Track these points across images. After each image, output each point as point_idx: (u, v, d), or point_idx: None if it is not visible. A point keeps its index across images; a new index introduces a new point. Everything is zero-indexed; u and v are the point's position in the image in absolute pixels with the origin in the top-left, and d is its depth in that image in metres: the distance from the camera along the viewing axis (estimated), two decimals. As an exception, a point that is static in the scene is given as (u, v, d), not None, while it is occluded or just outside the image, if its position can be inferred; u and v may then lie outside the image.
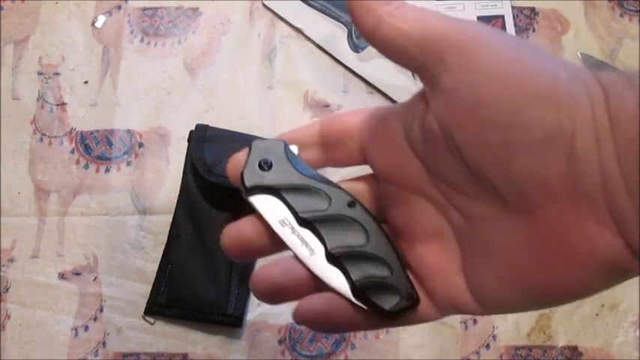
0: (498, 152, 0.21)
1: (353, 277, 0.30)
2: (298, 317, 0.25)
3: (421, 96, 0.24)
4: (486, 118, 0.21)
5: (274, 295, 0.26)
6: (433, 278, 0.25)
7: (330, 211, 0.32)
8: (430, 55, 0.22)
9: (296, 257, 0.32)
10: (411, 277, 0.26)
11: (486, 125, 0.21)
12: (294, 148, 0.32)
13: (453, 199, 0.24)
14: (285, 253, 0.28)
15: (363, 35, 0.24)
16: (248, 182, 0.32)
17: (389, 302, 0.27)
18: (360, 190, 0.28)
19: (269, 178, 0.32)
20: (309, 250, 0.33)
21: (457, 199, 0.24)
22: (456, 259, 0.25)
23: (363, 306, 0.27)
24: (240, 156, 0.28)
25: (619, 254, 0.20)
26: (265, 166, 0.33)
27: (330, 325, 0.26)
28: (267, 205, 0.33)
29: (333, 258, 0.31)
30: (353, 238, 0.31)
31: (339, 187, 0.31)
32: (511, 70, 0.20)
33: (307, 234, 0.32)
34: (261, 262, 0.56)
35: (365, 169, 0.29)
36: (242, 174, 0.33)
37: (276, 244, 0.27)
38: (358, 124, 0.27)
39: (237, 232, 0.28)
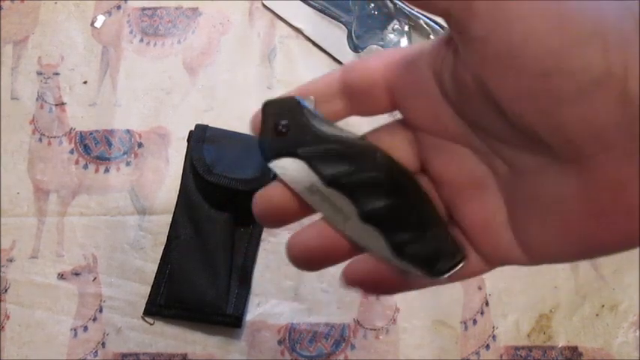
0: (541, 103, 0.19)
1: (393, 238, 0.27)
2: (348, 281, 0.24)
3: (447, 41, 0.22)
4: (523, 67, 0.18)
5: (310, 260, 0.25)
6: (480, 232, 0.24)
7: (359, 169, 0.28)
8: (456, 2, 0.19)
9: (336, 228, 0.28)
10: (457, 230, 0.25)
11: (524, 75, 0.19)
12: (310, 102, 0.29)
13: (496, 148, 0.22)
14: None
15: None
16: (267, 150, 0.30)
17: (434, 261, 0.25)
18: (392, 140, 0.26)
19: (288, 142, 0.30)
20: (342, 215, 0.29)
21: (500, 148, 0.22)
22: (503, 212, 0.23)
23: (407, 266, 0.25)
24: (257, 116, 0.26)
25: None
26: (283, 128, 0.30)
27: (379, 288, 0.25)
28: (290, 171, 0.30)
29: (368, 219, 0.28)
30: (387, 196, 0.28)
31: (366, 141, 0.28)
32: (548, 11, 0.18)
33: (337, 196, 0.29)
34: (261, 264, 0.57)
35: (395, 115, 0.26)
36: (259, 142, 0.30)
37: (308, 207, 0.26)
38: (384, 69, 0.25)
39: (267, 199, 0.26)
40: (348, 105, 0.26)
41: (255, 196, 0.26)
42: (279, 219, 0.26)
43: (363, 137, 0.28)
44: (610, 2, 0.18)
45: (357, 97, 0.26)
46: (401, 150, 0.25)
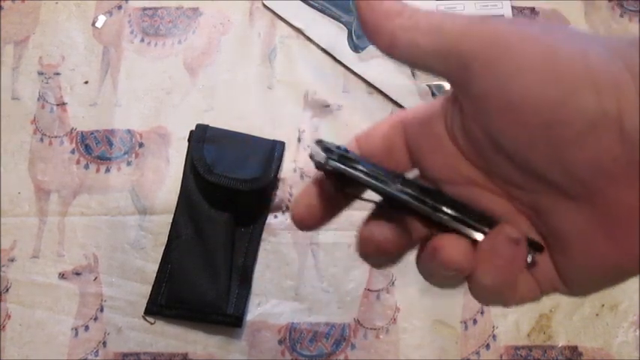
0: (546, 150, 0.20)
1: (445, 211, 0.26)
2: (450, 267, 0.24)
3: (453, 99, 0.24)
4: (524, 120, 0.20)
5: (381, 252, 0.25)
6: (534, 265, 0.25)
7: (411, 193, 0.28)
8: (452, 64, 0.21)
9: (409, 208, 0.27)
10: None
11: (526, 126, 0.20)
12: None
13: (513, 193, 0.24)
14: None
15: (382, 52, 0.23)
16: (319, 156, 0.29)
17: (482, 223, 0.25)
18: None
19: (337, 153, 0.30)
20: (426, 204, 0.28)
21: (517, 193, 0.24)
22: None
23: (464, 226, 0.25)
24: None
25: None
26: (335, 149, 0.30)
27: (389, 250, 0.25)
28: (353, 170, 0.29)
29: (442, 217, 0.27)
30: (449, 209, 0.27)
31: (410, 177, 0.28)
32: (540, 66, 0.20)
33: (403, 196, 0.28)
34: (261, 264, 0.57)
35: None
36: (311, 155, 0.29)
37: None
38: (399, 132, 0.27)
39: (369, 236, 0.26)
40: None
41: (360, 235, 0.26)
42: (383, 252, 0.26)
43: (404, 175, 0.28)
44: (596, 47, 0.20)
45: (378, 161, 0.27)
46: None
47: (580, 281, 0.23)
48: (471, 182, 0.25)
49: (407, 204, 0.25)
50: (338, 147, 0.29)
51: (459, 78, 0.21)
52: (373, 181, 0.27)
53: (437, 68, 0.22)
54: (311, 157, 0.27)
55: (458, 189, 0.25)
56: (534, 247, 0.24)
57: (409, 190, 0.26)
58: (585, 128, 0.19)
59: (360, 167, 0.27)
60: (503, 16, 0.62)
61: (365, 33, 0.24)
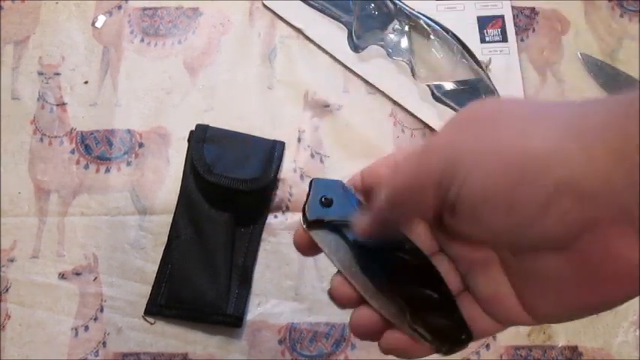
0: (520, 237, 0.24)
1: (411, 314, 0.32)
2: (384, 350, 0.29)
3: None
4: (489, 216, 0.23)
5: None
6: (489, 301, 0.28)
7: (387, 248, 0.34)
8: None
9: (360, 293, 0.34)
10: (472, 299, 0.29)
11: (494, 219, 0.24)
12: (350, 188, 0.34)
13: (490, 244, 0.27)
14: None
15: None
16: (309, 217, 0.35)
17: (443, 338, 0.30)
18: (414, 229, 0.31)
19: (329, 214, 0.35)
20: (370, 286, 0.35)
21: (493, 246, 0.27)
22: (505, 284, 0.27)
23: (420, 338, 0.30)
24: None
25: None
26: (327, 201, 0.35)
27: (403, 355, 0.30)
28: (327, 241, 0.35)
29: (393, 293, 0.33)
30: (410, 278, 0.33)
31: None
32: (493, 172, 0.23)
33: (375, 269, 0.34)
34: (261, 264, 0.57)
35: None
36: (304, 209, 0.35)
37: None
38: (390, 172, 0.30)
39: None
40: (365, 199, 0.32)
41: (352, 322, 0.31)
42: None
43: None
44: (551, 127, 0.22)
45: (372, 193, 0.31)
46: (421, 236, 0.31)
47: (547, 313, 0.26)
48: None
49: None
50: (333, 183, 0.34)
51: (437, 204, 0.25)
52: (337, 264, 0.34)
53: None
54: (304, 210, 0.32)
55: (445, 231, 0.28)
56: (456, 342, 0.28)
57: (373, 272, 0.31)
58: (543, 205, 0.22)
59: (332, 243, 0.34)
60: (503, 16, 0.62)
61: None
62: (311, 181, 0.37)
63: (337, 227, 0.35)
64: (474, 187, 0.23)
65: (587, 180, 0.21)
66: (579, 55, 0.61)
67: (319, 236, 0.36)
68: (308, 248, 0.32)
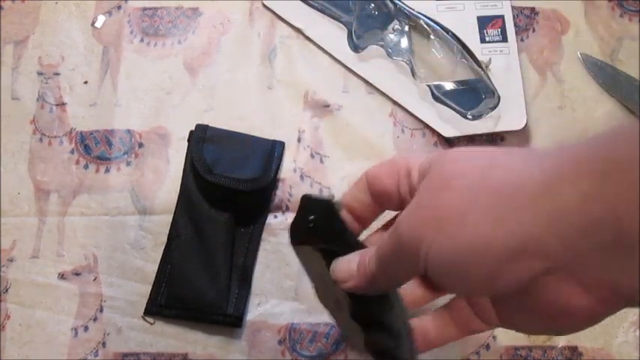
0: (475, 288, 0.30)
1: (367, 338, 0.37)
2: None
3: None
4: (452, 280, 0.30)
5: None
6: (478, 312, 0.34)
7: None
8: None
9: (326, 308, 0.39)
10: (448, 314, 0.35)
11: (457, 281, 0.30)
12: (339, 206, 0.37)
13: None
14: None
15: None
16: (293, 238, 0.39)
17: None
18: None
19: (313, 236, 0.38)
20: (339, 306, 0.39)
21: None
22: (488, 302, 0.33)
23: None
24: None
25: (592, 305, 0.27)
26: (311, 223, 0.37)
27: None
28: (308, 259, 0.40)
29: (355, 317, 0.37)
30: (374, 304, 0.36)
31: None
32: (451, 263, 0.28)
33: (339, 291, 0.37)
34: (261, 264, 0.56)
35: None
36: (290, 227, 0.39)
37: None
38: (403, 174, 0.34)
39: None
40: (374, 201, 0.36)
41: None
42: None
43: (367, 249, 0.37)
44: (513, 168, 0.27)
45: (378, 198, 0.36)
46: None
47: (518, 328, 0.32)
48: None
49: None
50: (322, 200, 0.36)
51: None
52: (313, 280, 0.40)
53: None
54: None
55: None
56: None
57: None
58: (492, 277, 0.27)
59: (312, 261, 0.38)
60: (502, 16, 0.62)
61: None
62: (302, 198, 0.39)
63: (319, 246, 0.38)
64: (436, 264, 0.29)
65: (547, 253, 0.25)
66: (579, 55, 0.61)
67: (302, 252, 0.41)
68: None
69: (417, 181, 0.32)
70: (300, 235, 0.40)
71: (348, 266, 0.34)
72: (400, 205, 0.34)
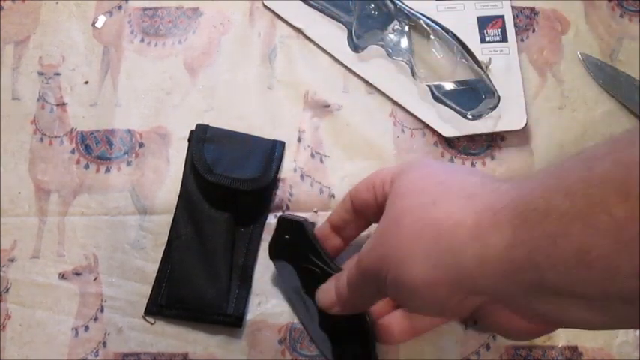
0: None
1: (335, 347, 0.43)
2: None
3: None
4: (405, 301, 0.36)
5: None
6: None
7: None
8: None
9: (299, 319, 0.47)
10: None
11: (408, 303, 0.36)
12: (311, 227, 0.45)
13: None
14: None
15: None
16: (271, 252, 0.49)
17: None
18: None
19: (288, 253, 0.46)
20: (310, 316, 0.46)
21: None
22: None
23: None
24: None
25: (530, 327, 0.32)
26: (287, 239, 0.45)
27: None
28: (284, 271, 0.47)
29: (324, 327, 0.44)
30: (343, 315, 0.41)
31: (340, 268, 0.43)
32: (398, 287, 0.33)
33: (310, 303, 0.44)
34: (261, 263, 0.56)
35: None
36: (269, 244, 0.49)
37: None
38: (373, 192, 0.41)
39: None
40: (357, 217, 0.43)
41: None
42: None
43: (339, 266, 0.44)
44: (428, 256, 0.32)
45: (360, 211, 0.43)
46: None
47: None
48: None
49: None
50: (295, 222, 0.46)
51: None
52: (287, 291, 0.49)
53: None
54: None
55: None
56: None
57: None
58: (441, 304, 0.32)
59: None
60: (502, 16, 0.62)
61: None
62: (278, 218, 0.48)
63: (294, 261, 0.45)
64: (392, 296, 0.36)
65: (480, 282, 0.29)
66: (579, 55, 0.62)
67: (279, 265, 0.48)
68: None
69: (389, 191, 0.37)
70: (277, 251, 0.47)
71: (329, 295, 0.40)
72: (379, 212, 0.38)
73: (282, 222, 0.48)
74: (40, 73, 0.61)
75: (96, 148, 0.58)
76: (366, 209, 0.41)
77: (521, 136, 0.59)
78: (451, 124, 0.58)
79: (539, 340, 0.53)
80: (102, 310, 0.54)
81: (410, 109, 0.59)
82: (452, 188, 0.32)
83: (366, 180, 0.41)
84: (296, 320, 0.53)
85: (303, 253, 0.44)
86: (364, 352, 0.43)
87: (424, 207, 0.32)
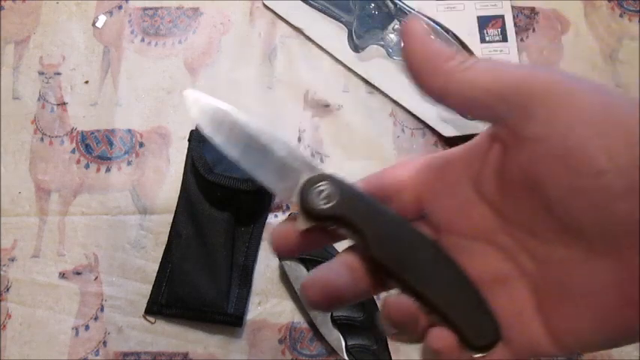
0: (594, 199, 0.20)
1: (347, 342, 0.42)
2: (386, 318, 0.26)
3: (490, 142, 0.24)
4: (580, 165, 0.20)
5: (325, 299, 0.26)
6: (508, 324, 0.24)
7: None
8: (512, 105, 0.21)
9: (309, 315, 0.46)
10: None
11: (580, 172, 0.20)
12: None
13: (527, 244, 0.24)
14: None
15: (432, 95, 0.24)
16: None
17: None
18: None
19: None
20: (320, 313, 0.45)
21: (531, 244, 0.23)
22: (530, 304, 0.24)
23: None
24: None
25: None
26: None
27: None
28: (293, 270, 0.47)
29: (335, 323, 0.43)
30: (353, 311, 0.42)
31: None
32: (600, 118, 0.20)
33: None
34: (261, 263, 0.56)
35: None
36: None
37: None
38: (412, 176, 0.27)
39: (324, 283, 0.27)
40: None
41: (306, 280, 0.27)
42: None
43: None
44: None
45: (388, 202, 0.27)
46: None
47: (576, 338, 0.23)
48: (476, 234, 0.25)
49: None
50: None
51: (517, 119, 0.22)
52: (299, 292, 0.46)
53: (494, 110, 0.22)
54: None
55: (459, 241, 0.25)
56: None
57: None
58: (635, 182, 0.19)
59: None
60: (503, 16, 0.62)
61: (413, 76, 0.24)
62: (288, 216, 0.45)
63: (303, 260, 0.44)
64: (576, 133, 0.20)
65: None
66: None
67: (287, 266, 0.47)
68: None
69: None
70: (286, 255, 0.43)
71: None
72: (415, 210, 0.28)
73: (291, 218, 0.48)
74: (41, 73, 0.61)
75: (96, 148, 0.58)
76: (395, 199, 0.27)
77: (521, 136, 0.59)
78: (451, 124, 0.58)
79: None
80: (102, 310, 0.54)
81: (410, 109, 0.59)
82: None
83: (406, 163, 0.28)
84: (296, 320, 0.53)
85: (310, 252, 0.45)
86: (377, 349, 0.42)
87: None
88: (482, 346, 0.24)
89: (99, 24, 0.63)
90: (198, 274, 0.53)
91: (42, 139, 0.59)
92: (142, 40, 0.62)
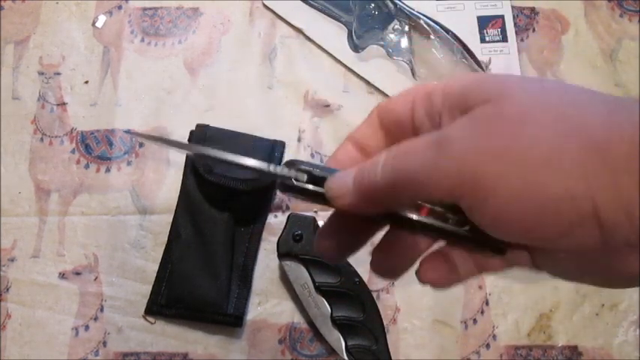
0: (533, 242, 0.25)
1: (347, 342, 0.44)
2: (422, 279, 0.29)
3: None
4: (513, 227, 0.24)
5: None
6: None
7: (340, 285, 0.46)
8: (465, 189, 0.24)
9: (309, 316, 0.47)
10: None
11: (514, 234, 0.24)
12: (321, 224, 0.44)
13: None
14: None
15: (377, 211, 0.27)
16: (281, 250, 0.48)
17: None
18: None
19: (298, 249, 0.46)
20: (321, 314, 0.47)
21: None
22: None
23: None
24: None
25: None
26: (297, 237, 0.46)
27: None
28: (293, 270, 0.47)
29: (335, 323, 0.45)
30: (353, 311, 0.44)
31: (350, 265, 0.45)
32: (523, 196, 0.23)
33: (320, 300, 0.46)
34: (261, 263, 0.56)
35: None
36: (278, 242, 0.48)
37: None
38: (410, 106, 0.29)
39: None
40: (386, 136, 0.31)
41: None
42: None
43: (349, 263, 0.45)
44: (571, 137, 0.22)
45: (389, 129, 0.30)
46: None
47: (554, 274, 0.28)
48: None
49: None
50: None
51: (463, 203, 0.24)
52: (298, 291, 0.50)
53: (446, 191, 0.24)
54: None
55: None
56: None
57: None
58: (566, 231, 0.23)
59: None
60: (503, 16, 0.62)
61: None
62: (288, 216, 0.49)
63: (303, 260, 0.46)
64: (492, 211, 0.23)
65: (612, 212, 0.22)
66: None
67: (287, 265, 0.48)
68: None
69: (441, 104, 0.27)
70: (286, 247, 0.47)
71: (343, 181, 0.28)
72: (414, 134, 0.29)
73: (292, 218, 0.49)
74: (40, 73, 0.61)
75: (96, 148, 0.58)
76: (397, 126, 0.30)
77: (521, 136, 0.59)
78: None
79: (540, 340, 0.53)
80: (102, 310, 0.54)
81: (410, 109, 0.59)
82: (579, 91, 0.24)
83: (403, 93, 0.30)
84: (296, 320, 0.53)
85: (312, 247, 0.45)
86: (377, 349, 0.43)
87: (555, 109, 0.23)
88: (501, 249, 0.27)
89: (99, 24, 0.63)
90: (198, 275, 0.53)
91: (42, 139, 0.59)
92: (142, 40, 0.62)
